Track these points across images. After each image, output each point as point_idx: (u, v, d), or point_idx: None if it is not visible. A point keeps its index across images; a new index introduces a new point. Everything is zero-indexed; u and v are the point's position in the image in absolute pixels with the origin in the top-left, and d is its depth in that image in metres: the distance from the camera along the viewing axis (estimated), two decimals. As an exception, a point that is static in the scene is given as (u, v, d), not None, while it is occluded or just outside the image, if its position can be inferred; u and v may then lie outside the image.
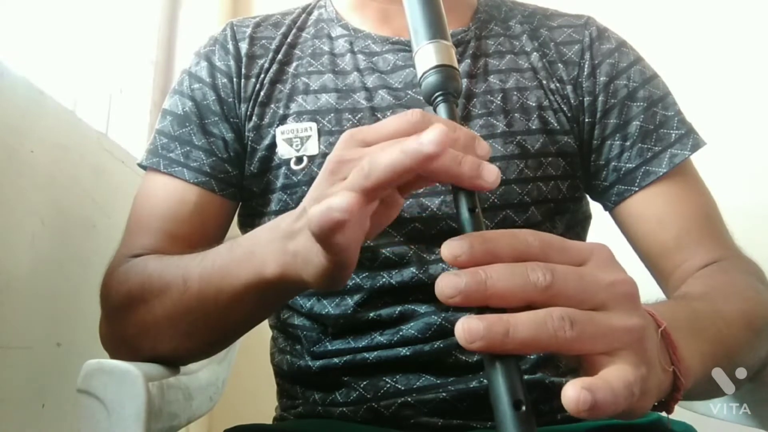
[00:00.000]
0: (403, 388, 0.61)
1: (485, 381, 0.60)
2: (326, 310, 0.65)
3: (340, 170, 0.41)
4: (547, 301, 0.34)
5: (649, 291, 0.58)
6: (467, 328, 0.34)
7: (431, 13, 0.48)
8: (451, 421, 0.60)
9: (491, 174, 0.39)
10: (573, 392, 0.32)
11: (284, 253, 0.47)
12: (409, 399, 0.60)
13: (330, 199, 0.37)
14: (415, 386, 0.61)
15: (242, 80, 0.71)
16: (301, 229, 0.44)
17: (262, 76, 0.71)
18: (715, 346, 0.48)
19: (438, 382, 0.61)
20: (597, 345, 0.35)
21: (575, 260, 0.37)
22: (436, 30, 0.47)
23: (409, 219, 0.64)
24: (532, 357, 0.63)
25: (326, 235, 0.38)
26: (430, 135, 0.36)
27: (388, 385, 0.62)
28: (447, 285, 0.35)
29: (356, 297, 0.64)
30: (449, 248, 0.36)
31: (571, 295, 0.35)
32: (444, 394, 0.60)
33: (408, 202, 0.64)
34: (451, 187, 0.40)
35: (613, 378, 0.33)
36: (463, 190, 0.39)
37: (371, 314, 0.64)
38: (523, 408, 0.33)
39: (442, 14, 0.48)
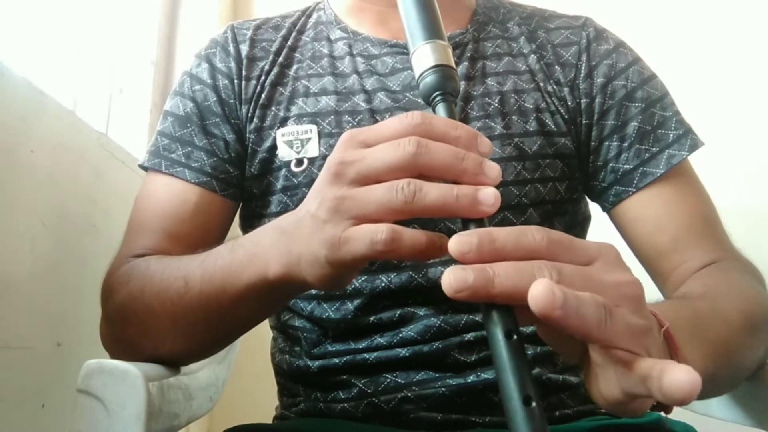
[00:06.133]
0: (403, 382, 0.62)
1: (483, 376, 0.60)
2: (327, 314, 0.65)
3: (344, 173, 0.41)
4: None
5: (649, 292, 0.58)
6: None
7: (426, 14, 0.48)
8: (450, 416, 0.60)
9: (493, 170, 0.39)
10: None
11: (288, 255, 0.47)
12: (409, 394, 0.61)
13: (375, 231, 0.39)
14: (414, 380, 0.61)
15: (243, 82, 0.71)
16: (310, 234, 0.44)
17: (263, 78, 0.72)
18: (716, 346, 0.48)
19: (437, 376, 0.61)
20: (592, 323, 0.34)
21: (582, 260, 0.37)
22: (432, 30, 0.47)
23: (408, 220, 0.64)
24: (529, 353, 0.63)
25: (359, 262, 0.40)
26: (489, 196, 0.38)
27: (388, 380, 0.62)
28: (455, 279, 0.34)
29: (356, 302, 0.64)
30: (457, 244, 0.36)
31: None
32: (443, 389, 0.60)
33: None
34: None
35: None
36: None
37: (371, 318, 0.64)
38: (533, 404, 0.33)
39: (437, 14, 0.48)
